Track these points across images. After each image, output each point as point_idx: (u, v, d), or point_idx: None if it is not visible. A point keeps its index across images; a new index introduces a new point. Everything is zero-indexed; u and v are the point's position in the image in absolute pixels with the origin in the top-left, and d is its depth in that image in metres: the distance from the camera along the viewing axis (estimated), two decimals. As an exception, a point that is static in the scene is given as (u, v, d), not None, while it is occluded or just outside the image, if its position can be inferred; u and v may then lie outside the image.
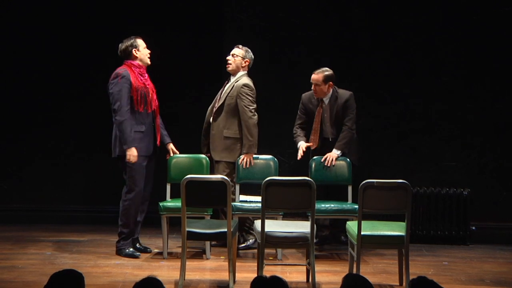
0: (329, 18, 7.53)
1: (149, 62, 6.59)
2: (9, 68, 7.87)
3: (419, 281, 3.34)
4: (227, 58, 6.84)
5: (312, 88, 6.83)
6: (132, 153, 6.38)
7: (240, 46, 6.85)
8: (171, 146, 6.76)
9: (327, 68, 6.82)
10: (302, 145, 6.82)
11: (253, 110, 6.69)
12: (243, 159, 6.69)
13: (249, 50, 6.85)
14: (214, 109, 6.82)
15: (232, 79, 6.85)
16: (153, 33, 7.00)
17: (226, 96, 6.77)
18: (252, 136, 6.68)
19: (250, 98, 6.70)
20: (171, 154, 6.76)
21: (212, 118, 6.81)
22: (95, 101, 7.59)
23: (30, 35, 7.84)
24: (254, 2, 7.53)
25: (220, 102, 6.79)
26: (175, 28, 7.67)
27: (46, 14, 7.84)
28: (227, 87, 6.83)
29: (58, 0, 7.86)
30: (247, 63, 6.84)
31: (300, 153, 6.80)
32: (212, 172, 6.72)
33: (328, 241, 7.04)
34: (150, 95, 6.52)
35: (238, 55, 6.81)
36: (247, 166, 6.69)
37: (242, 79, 6.79)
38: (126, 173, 6.49)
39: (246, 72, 6.85)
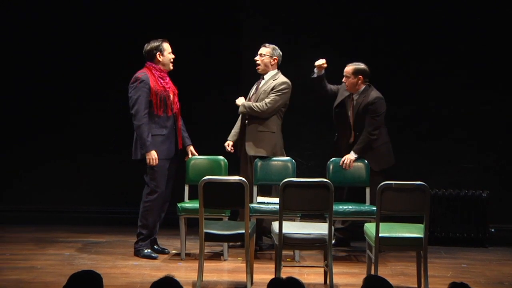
0: (345, 20, 7.51)
1: (171, 68, 6.59)
2: (25, 69, 7.91)
3: (457, 286, 3.32)
4: (255, 58, 6.81)
5: (343, 80, 6.80)
6: (152, 157, 6.39)
7: (267, 44, 6.82)
8: (191, 148, 6.77)
9: (360, 63, 6.79)
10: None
11: (272, 108, 6.66)
12: None
13: (276, 48, 6.81)
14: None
15: (267, 78, 6.81)
16: (170, 36, 7.00)
17: (261, 93, 6.74)
18: (255, 106, 6.67)
19: (278, 97, 6.66)
20: (190, 156, 6.76)
21: (247, 118, 6.77)
22: (114, 102, 7.62)
23: (48, 36, 7.88)
24: (270, 5, 7.52)
25: (255, 100, 6.76)
26: (192, 31, 7.67)
27: (66, 15, 7.88)
28: (261, 85, 6.79)
29: (78, 1, 7.87)
30: (275, 61, 6.81)
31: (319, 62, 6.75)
32: (232, 173, 6.69)
33: (343, 244, 6.99)
34: (171, 98, 6.53)
35: (266, 54, 6.78)
36: None
37: (279, 77, 6.78)
38: (147, 175, 6.50)
39: (277, 69, 6.83)
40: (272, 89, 6.71)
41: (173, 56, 6.58)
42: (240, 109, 6.73)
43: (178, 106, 6.62)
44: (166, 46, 6.56)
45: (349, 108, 6.86)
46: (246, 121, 6.77)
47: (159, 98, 6.46)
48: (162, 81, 6.52)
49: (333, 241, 6.87)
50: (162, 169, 6.48)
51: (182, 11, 7.79)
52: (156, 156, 6.40)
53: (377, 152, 6.80)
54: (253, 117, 6.71)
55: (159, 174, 6.46)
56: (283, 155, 6.79)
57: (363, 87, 6.80)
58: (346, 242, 6.99)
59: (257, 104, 6.68)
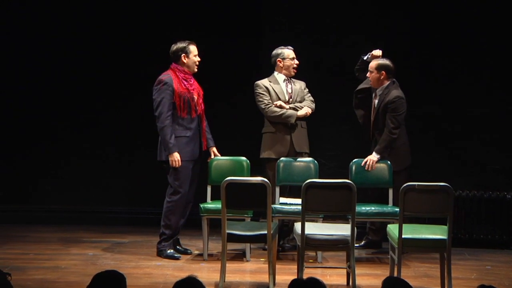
0: (369, 21, 7.47)
1: (196, 70, 6.61)
2: (49, 69, 7.95)
3: None
4: (295, 62, 6.83)
5: (367, 74, 6.78)
6: (174, 158, 6.42)
7: (289, 47, 6.86)
8: (213, 149, 6.78)
9: (385, 59, 6.76)
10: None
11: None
12: None
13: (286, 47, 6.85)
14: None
15: (294, 79, 6.91)
16: (194, 37, 7.02)
17: (299, 93, 6.84)
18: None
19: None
20: (212, 157, 6.77)
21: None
22: (139, 102, 7.65)
23: (74, 36, 7.91)
24: (293, 5, 7.51)
25: (294, 98, 6.83)
26: (215, 32, 7.66)
27: (95, 15, 7.90)
28: (299, 89, 6.86)
29: (102, 2, 7.91)
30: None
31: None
32: (254, 174, 6.68)
33: (374, 245, 6.96)
34: (195, 100, 6.55)
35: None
36: None
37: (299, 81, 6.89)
38: (171, 176, 6.52)
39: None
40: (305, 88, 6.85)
41: (199, 59, 6.60)
42: (303, 113, 6.74)
43: (203, 108, 6.64)
44: (193, 49, 6.58)
45: (372, 103, 6.82)
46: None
47: (183, 100, 6.49)
48: (186, 82, 6.54)
49: (363, 242, 6.93)
50: (186, 170, 6.49)
51: (206, 12, 7.79)
52: (178, 158, 6.42)
53: (396, 152, 6.77)
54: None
55: (182, 175, 6.48)
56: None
57: (387, 83, 6.77)
58: (378, 244, 6.95)
59: (310, 104, 6.80)
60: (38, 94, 7.98)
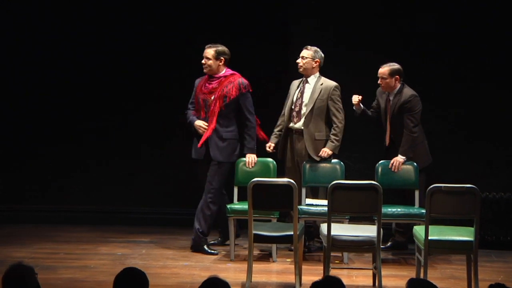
0: (395, 23, 7.43)
1: (205, 71, 6.72)
2: (79, 68, 7.96)
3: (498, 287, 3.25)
4: (297, 61, 6.79)
5: (379, 82, 6.76)
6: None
7: (309, 47, 6.78)
8: (247, 155, 6.79)
9: (394, 63, 6.74)
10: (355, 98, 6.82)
11: (341, 118, 6.69)
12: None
13: (318, 50, 6.77)
14: (303, 113, 6.74)
15: (312, 82, 6.79)
16: (219, 40, 7.04)
17: (316, 99, 6.72)
18: (339, 139, 6.69)
19: (340, 104, 6.72)
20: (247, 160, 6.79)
21: (303, 123, 6.73)
22: (169, 102, 7.69)
23: (107, 36, 7.91)
24: (319, 7, 7.48)
25: (310, 106, 6.72)
26: (241, 33, 7.64)
27: (126, 15, 7.92)
28: (310, 90, 6.76)
29: (127, 4, 7.93)
30: (317, 63, 6.77)
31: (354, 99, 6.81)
32: (280, 175, 6.68)
33: (400, 246, 6.92)
34: (209, 101, 6.68)
35: (307, 57, 6.75)
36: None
37: (326, 81, 6.77)
38: (209, 175, 6.64)
39: (318, 72, 6.81)
40: (330, 97, 6.69)
41: (203, 62, 6.69)
42: (329, 154, 6.70)
43: (216, 110, 6.64)
44: (204, 52, 6.73)
45: (388, 111, 6.80)
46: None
47: (199, 102, 6.71)
48: (208, 84, 6.67)
49: (389, 244, 6.90)
50: (195, 169, 6.83)
51: (229, 14, 7.79)
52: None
53: (416, 151, 6.74)
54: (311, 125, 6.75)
55: (220, 174, 6.73)
56: None
57: (398, 86, 6.75)
58: (404, 245, 6.91)
59: (333, 136, 6.67)
60: (67, 93, 7.99)
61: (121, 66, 7.92)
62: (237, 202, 6.70)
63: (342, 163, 6.75)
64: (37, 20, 7.97)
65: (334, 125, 6.69)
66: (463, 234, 5.58)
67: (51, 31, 7.94)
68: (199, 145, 6.69)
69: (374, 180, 6.08)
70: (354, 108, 6.85)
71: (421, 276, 5.49)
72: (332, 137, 6.67)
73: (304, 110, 6.74)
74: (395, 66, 6.74)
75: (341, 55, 7.18)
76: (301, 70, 6.79)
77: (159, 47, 7.89)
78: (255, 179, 5.66)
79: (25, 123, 8.04)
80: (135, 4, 7.95)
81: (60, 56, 7.97)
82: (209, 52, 6.67)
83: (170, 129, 7.79)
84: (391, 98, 6.79)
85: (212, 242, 6.96)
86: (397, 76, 6.72)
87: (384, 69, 6.74)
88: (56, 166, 8.04)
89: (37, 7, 7.98)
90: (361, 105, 6.85)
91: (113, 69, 7.94)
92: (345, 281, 3.51)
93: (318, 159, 6.68)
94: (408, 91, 6.73)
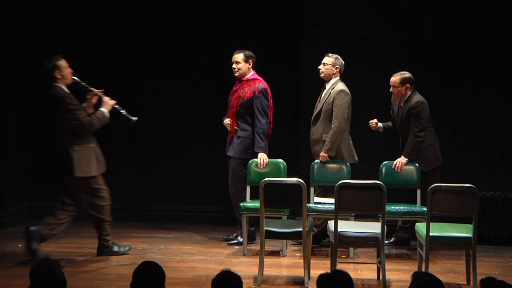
0: (401, 30, 7.39)
1: (236, 75, 6.84)
2: (107, 69, 7.90)
3: (490, 281, 3.24)
4: (319, 67, 6.84)
5: (391, 90, 6.76)
6: None
7: (330, 54, 6.84)
8: (259, 155, 6.81)
9: (405, 72, 6.73)
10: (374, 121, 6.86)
11: (337, 123, 6.67)
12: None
13: (339, 57, 6.82)
14: (313, 115, 6.86)
15: (328, 86, 6.83)
16: (234, 47, 7.05)
17: (324, 103, 6.77)
18: (331, 141, 6.66)
19: (342, 107, 6.69)
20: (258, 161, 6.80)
21: (312, 123, 6.85)
22: (179, 102, 7.71)
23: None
24: (329, 16, 7.46)
25: (318, 109, 6.82)
26: (255, 41, 7.61)
27: (135, 19, 7.89)
28: (324, 94, 6.83)
29: (137, 6, 7.90)
30: (338, 69, 6.82)
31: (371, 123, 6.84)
32: (290, 175, 6.67)
33: (403, 242, 6.89)
34: (231, 102, 6.84)
35: (328, 63, 6.80)
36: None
37: (337, 85, 6.79)
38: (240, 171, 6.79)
39: (339, 77, 6.84)
40: (333, 102, 6.71)
41: (233, 66, 6.82)
42: (326, 159, 6.73)
43: (234, 110, 6.79)
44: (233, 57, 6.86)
45: (399, 115, 6.81)
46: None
47: (227, 103, 6.89)
48: (234, 87, 6.88)
49: (392, 239, 6.87)
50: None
51: (243, 22, 7.77)
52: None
53: (423, 154, 6.73)
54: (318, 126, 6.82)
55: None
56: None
57: (409, 93, 6.74)
58: (407, 241, 6.89)
59: (328, 139, 6.69)
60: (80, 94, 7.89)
61: (166, 66, 7.86)
62: (249, 201, 6.70)
63: (348, 163, 6.73)
64: (46, 22, 7.88)
65: (330, 134, 6.70)
66: (463, 231, 5.57)
67: (56, 33, 7.88)
68: (228, 139, 6.89)
69: (378, 180, 6.08)
70: (378, 131, 6.88)
71: (423, 270, 5.48)
72: (327, 140, 6.70)
73: (315, 113, 6.82)
74: (406, 74, 6.72)
75: (348, 61, 7.12)
76: (322, 75, 6.85)
77: (176, 51, 7.87)
78: (267, 178, 5.67)
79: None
80: (146, 8, 7.88)
81: (77, 56, 7.88)
82: (239, 56, 6.82)
83: (187, 129, 7.78)
84: (402, 104, 6.79)
85: (225, 237, 6.97)
86: (407, 85, 6.71)
87: (395, 78, 6.74)
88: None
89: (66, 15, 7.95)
90: (380, 124, 6.86)
91: (140, 71, 7.87)
92: (351, 275, 3.50)
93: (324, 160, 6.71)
94: (416, 98, 6.71)
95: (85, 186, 6.23)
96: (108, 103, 6.31)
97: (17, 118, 7.89)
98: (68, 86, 6.26)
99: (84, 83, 6.34)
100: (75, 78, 6.29)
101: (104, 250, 6.35)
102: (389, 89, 6.80)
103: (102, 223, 6.33)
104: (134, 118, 6.46)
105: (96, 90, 6.35)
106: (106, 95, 6.40)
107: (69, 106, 6.10)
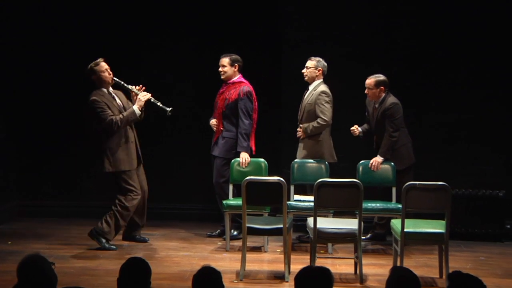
0: (380, 35, 7.43)
1: (222, 78, 6.89)
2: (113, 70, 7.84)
3: (456, 274, 3.28)
4: (302, 71, 6.90)
5: (366, 91, 6.80)
6: None
7: (312, 57, 6.89)
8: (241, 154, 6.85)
9: (380, 75, 6.78)
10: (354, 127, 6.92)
11: (326, 118, 6.73)
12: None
13: (321, 60, 6.87)
14: (299, 117, 6.92)
15: (311, 88, 6.89)
16: (217, 52, 7.06)
17: (306, 104, 6.84)
18: (315, 127, 6.76)
19: (327, 106, 6.75)
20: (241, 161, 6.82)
21: (299, 123, 6.91)
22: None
23: (115, 40, 7.85)
24: (310, 21, 7.48)
25: (302, 110, 6.88)
26: (240, 46, 7.61)
27: (127, 22, 7.87)
28: (307, 95, 6.89)
29: (129, 9, 7.88)
30: (320, 71, 6.87)
31: (353, 130, 6.89)
32: (271, 174, 6.70)
33: (380, 238, 6.93)
34: (217, 104, 6.91)
35: (311, 66, 6.86)
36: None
37: (319, 87, 6.84)
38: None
39: (321, 80, 6.89)
40: (316, 102, 6.77)
41: (219, 69, 6.85)
42: (300, 135, 6.83)
43: (219, 111, 6.83)
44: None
45: (374, 116, 6.86)
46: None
47: (214, 103, 6.94)
48: (221, 89, 6.93)
49: (369, 235, 6.91)
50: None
51: (225, 29, 7.77)
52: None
53: (397, 153, 6.79)
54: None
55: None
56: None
57: (383, 95, 6.78)
58: (383, 237, 6.94)
59: (313, 126, 6.77)
60: (81, 96, 7.83)
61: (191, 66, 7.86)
62: (232, 198, 6.71)
63: (327, 162, 6.77)
64: (55, 24, 7.87)
65: (317, 120, 6.76)
66: (436, 227, 5.61)
67: (60, 34, 7.86)
68: (214, 139, 6.91)
69: (356, 178, 6.11)
70: (359, 136, 6.92)
71: (398, 264, 5.52)
72: (311, 125, 6.77)
73: (300, 114, 6.90)
74: (381, 77, 6.77)
75: (328, 66, 7.14)
76: (306, 78, 6.91)
77: (163, 52, 7.86)
78: (249, 177, 5.69)
79: (45, 126, 7.97)
80: (136, 12, 7.87)
81: (79, 58, 7.83)
82: (225, 60, 6.87)
83: (171, 128, 7.77)
84: (376, 105, 6.83)
85: (209, 234, 6.99)
86: (382, 87, 6.76)
87: (370, 80, 6.79)
88: (70, 166, 8.00)
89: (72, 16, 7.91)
90: (360, 129, 6.91)
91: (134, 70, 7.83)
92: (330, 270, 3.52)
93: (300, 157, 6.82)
94: (390, 99, 6.77)
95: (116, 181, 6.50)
96: (141, 99, 6.51)
97: (5, 117, 7.85)
98: (113, 86, 6.55)
99: (123, 83, 6.56)
100: (115, 79, 6.53)
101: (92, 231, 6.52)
102: (362, 92, 6.84)
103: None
104: (169, 109, 6.61)
105: (134, 88, 6.54)
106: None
107: (96, 109, 6.40)
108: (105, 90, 6.50)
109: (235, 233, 6.80)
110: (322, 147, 6.81)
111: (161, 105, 6.60)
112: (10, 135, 7.90)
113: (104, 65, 6.49)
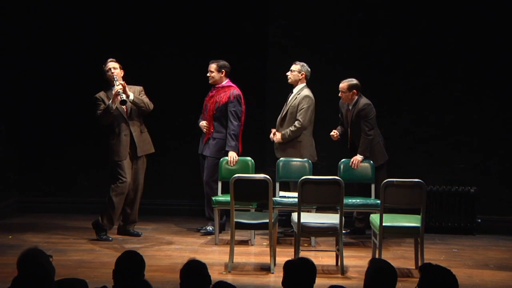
0: (357, 41, 7.44)
1: (210, 82, 6.86)
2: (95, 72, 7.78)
3: (427, 266, 3.29)
4: (287, 74, 6.88)
5: (339, 95, 6.81)
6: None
7: (297, 62, 6.88)
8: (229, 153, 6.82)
9: (353, 79, 6.79)
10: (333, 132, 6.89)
11: (302, 122, 6.71)
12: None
13: (305, 65, 6.86)
14: (279, 118, 6.89)
15: (295, 91, 6.87)
16: (202, 56, 7.03)
17: (290, 106, 6.81)
18: (292, 131, 6.73)
19: (307, 111, 6.74)
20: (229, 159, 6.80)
21: (279, 124, 6.87)
22: (160, 104, 7.63)
23: (118, 41, 7.75)
24: (294, 27, 7.47)
25: (285, 111, 6.85)
26: (222, 50, 7.58)
27: (129, 25, 7.82)
28: (291, 98, 6.86)
29: (123, 13, 7.82)
30: (303, 76, 6.85)
31: (332, 135, 6.86)
32: (258, 172, 6.68)
33: (359, 232, 6.94)
34: (207, 107, 6.86)
35: (295, 70, 6.84)
36: None
37: (303, 91, 6.82)
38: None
39: (305, 84, 6.86)
40: (298, 105, 6.75)
41: (208, 75, 6.83)
42: (279, 140, 6.79)
43: (210, 114, 6.78)
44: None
45: (348, 118, 6.86)
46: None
47: (204, 106, 6.89)
48: (210, 93, 6.88)
49: (349, 230, 6.92)
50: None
51: (211, 32, 7.73)
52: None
53: (371, 151, 6.80)
54: (284, 127, 6.83)
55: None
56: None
57: (356, 97, 6.79)
58: (362, 231, 6.95)
59: (290, 130, 6.74)
60: (82, 96, 7.68)
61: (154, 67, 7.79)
62: (221, 195, 6.69)
63: (310, 161, 6.77)
64: (55, 24, 7.78)
65: (294, 124, 6.74)
66: (412, 221, 5.63)
67: (60, 34, 7.78)
68: (204, 140, 6.86)
69: (337, 176, 6.12)
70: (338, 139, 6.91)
71: (377, 256, 5.53)
72: (288, 130, 6.75)
73: (282, 115, 6.87)
74: (353, 81, 6.78)
75: (311, 70, 7.13)
76: (289, 81, 6.89)
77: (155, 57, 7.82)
78: (236, 175, 5.68)
79: (44, 125, 7.88)
80: (130, 17, 7.79)
81: (78, 58, 7.79)
82: (212, 66, 6.86)
83: (162, 129, 7.70)
84: (350, 107, 6.84)
85: (199, 228, 6.96)
86: (354, 90, 6.77)
87: (343, 84, 6.79)
88: (68, 163, 7.93)
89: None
90: (337, 133, 6.89)
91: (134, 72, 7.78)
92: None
93: (281, 157, 6.78)
94: (363, 101, 6.78)
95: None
96: (114, 94, 6.46)
97: (4, 116, 7.77)
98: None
99: (116, 80, 6.47)
100: (114, 76, 6.47)
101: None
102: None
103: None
104: (125, 99, 6.43)
105: (117, 87, 6.45)
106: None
107: (93, 105, 6.52)
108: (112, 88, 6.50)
109: (210, 228, 6.76)
110: (301, 147, 6.79)
111: (122, 97, 6.36)
112: (10, 135, 7.82)
113: (108, 65, 6.51)
